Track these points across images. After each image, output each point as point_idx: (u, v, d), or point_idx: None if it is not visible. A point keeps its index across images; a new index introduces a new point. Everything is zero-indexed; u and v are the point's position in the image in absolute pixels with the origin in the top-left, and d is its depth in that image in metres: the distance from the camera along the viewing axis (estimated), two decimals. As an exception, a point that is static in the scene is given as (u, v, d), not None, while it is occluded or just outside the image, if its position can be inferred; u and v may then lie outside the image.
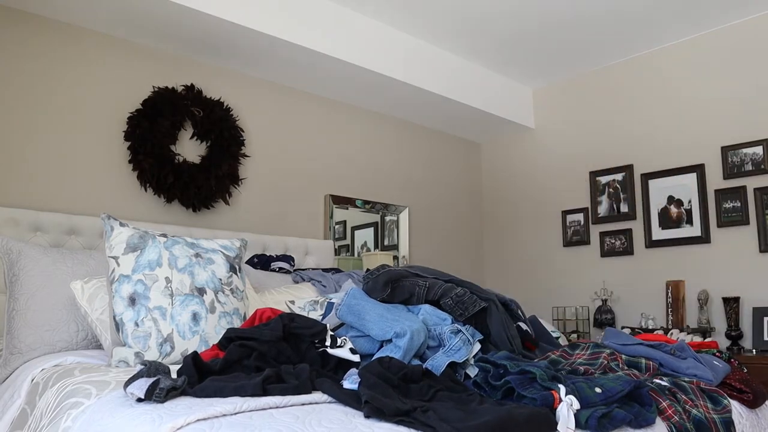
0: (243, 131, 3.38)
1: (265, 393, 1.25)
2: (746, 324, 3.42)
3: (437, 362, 1.46)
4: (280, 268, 3.08)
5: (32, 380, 1.81)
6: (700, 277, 3.64)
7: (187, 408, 1.15)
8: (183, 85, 3.17)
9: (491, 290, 2.07)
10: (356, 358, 1.50)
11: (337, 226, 3.85)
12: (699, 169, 3.70)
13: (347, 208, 3.93)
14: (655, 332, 3.27)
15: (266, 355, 1.47)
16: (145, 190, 3.02)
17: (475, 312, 1.70)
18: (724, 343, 3.45)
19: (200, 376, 1.34)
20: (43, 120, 2.75)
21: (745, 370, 1.82)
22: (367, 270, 1.81)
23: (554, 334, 2.20)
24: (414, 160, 4.43)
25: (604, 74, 4.23)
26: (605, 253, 4.09)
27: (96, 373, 1.63)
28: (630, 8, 3.44)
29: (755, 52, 3.54)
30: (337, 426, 1.07)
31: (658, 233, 3.85)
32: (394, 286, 1.75)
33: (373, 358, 1.42)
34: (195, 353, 1.41)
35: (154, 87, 3.08)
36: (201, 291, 1.92)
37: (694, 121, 3.76)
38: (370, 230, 4.06)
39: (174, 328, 1.83)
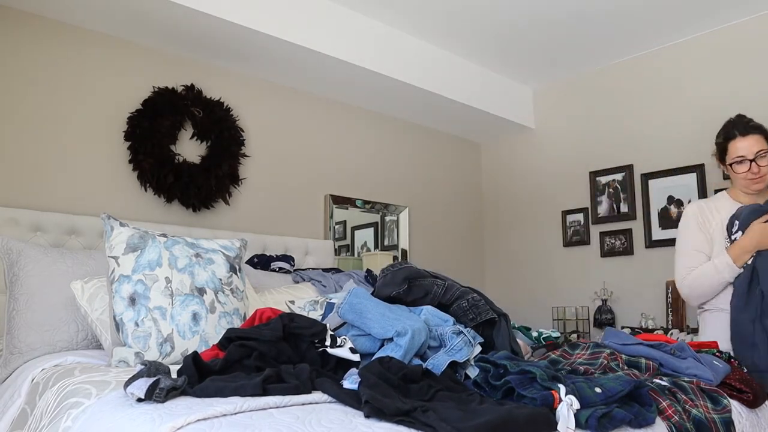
0: (243, 131, 3.38)
1: (265, 393, 1.25)
2: (746, 324, 3.42)
3: (438, 361, 1.46)
4: (280, 268, 3.08)
5: (32, 380, 1.81)
6: (700, 277, 3.63)
7: (187, 408, 1.15)
8: (183, 85, 3.17)
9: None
10: (356, 357, 1.50)
11: (337, 226, 3.85)
12: (699, 169, 3.70)
13: (347, 208, 3.93)
14: (655, 332, 3.27)
15: (266, 355, 1.47)
16: (145, 190, 3.02)
17: (484, 321, 1.70)
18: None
19: (200, 376, 1.34)
20: (43, 120, 2.75)
21: (745, 370, 1.82)
22: (388, 265, 1.80)
23: (554, 334, 2.20)
24: (414, 160, 4.43)
25: (605, 74, 4.23)
26: (605, 253, 4.09)
27: (96, 373, 1.63)
28: (630, 8, 3.44)
29: (755, 52, 3.54)
30: (337, 426, 1.07)
31: (658, 233, 3.85)
32: (411, 284, 1.75)
33: (374, 357, 1.42)
34: (195, 353, 1.41)
35: (154, 87, 3.09)
36: (201, 291, 1.92)
37: (694, 121, 3.77)
38: (370, 230, 4.07)
39: (174, 328, 1.83)
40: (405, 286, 1.74)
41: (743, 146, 2.22)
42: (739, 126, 2.26)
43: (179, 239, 2.02)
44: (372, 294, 1.74)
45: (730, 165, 2.27)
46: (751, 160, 2.21)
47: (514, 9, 3.43)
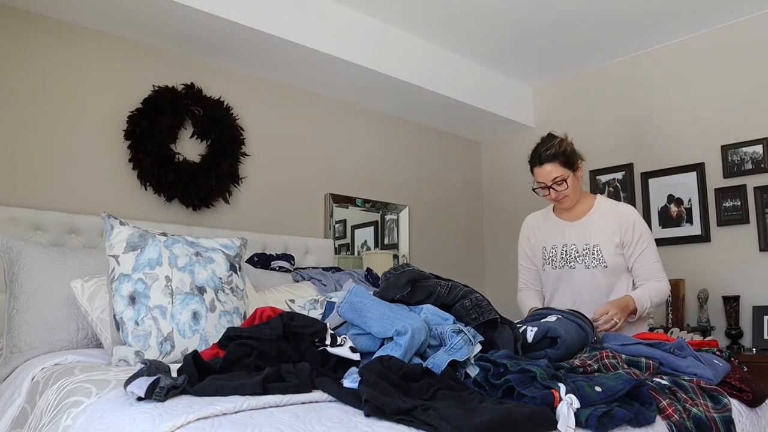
0: (243, 130, 3.38)
1: (265, 392, 1.25)
2: (746, 323, 3.42)
3: (438, 360, 1.46)
4: (280, 267, 3.08)
5: (32, 379, 1.81)
6: (700, 275, 3.64)
7: (187, 407, 1.15)
8: (183, 84, 3.17)
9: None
10: (356, 356, 1.50)
11: (337, 225, 3.85)
12: (699, 168, 3.70)
13: (347, 207, 3.93)
14: (656, 331, 3.27)
15: (266, 354, 1.47)
16: (145, 189, 3.02)
17: (485, 321, 1.70)
18: (724, 341, 3.45)
19: (200, 375, 1.34)
20: (43, 119, 2.75)
21: (745, 369, 1.82)
22: (390, 269, 1.79)
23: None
24: (414, 159, 4.43)
25: (604, 73, 4.23)
26: (605, 251, 4.08)
27: (96, 371, 1.63)
28: (630, 7, 3.43)
29: (755, 51, 3.54)
30: (337, 425, 1.07)
31: (658, 232, 3.85)
32: (414, 286, 1.75)
33: (374, 356, 1.42)
34: (195, 352, 1.41)
35: (154, 86, 3.08)
36: (201, 290, 1.92)
37: (694, 120, 3.76)
38: (370, 229, 4.07)
39: (174, 327, 1.83)
40: (408, 289, 1.74)
41: (541, 174, 2.36)
42: (536, 156, 2.38)
43: (179, 238, 2.02)
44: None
45: (534, 190, 2.43)
46: (549, 187, 2.36)
47: (514, 8, 3.43)
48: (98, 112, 2.92)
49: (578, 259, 2.39)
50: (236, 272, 2.08)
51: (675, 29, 3.73)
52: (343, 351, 1.50)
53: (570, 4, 3.39)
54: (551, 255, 2.47)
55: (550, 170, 2.33)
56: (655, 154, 3.93)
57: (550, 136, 2.40)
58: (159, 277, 1.86)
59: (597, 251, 2.36)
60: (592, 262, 2.36)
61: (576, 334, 1.79)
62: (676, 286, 3.63)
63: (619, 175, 4.07)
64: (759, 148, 3.47)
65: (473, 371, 1.48)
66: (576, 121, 4.36)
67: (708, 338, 3.30)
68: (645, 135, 3.99)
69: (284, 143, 3.66)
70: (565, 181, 2.34)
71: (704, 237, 3.64)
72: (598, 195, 2.53)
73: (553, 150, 2.34)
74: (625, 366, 1.62)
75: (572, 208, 2.46)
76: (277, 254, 3.18)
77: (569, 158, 2.35)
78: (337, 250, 3.83)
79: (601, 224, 2.39)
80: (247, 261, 3.07)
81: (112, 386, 1.41)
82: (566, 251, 2.43)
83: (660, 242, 3.83)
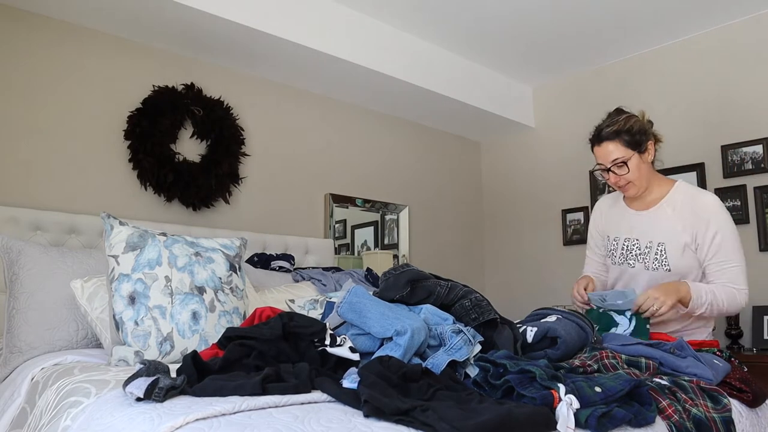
0: (243, 130, 3.38)
1: (264, 392, 1.25)
2: (746, 323, 3.42)
3: (438, 360, 1.46)
4: (280, 267, 3.08)
5: (32, 379, 1.81)
6: (701, 275, 3.63)
7: (186, 407, 1.14)
8: (183, 84, 3.17)
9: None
10: (356, 356, 1.50)
11: (337, 225, 3.85)
12: (699, 168, 3.70)
13: (347, 207, 3.93)
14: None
15: (266, 354, 1.46)
16: (145, 189, 3.02)
17: (485, 321, 1.70)
18: (724, 341, 3.45)
19: (200, 376, 1.34)
20: (43, 119, 2.75)
21: (745, 369, 1.82)
22: (390, 269, 1.78)
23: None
24: (414, 159, 4.43)
25: (605, 73, 4.23)
26: (605, 251, 4.08)
27: (95, 372, 1.63)
28: (630, 7, 3.43)
29: (755, 51, 3.53)
30: (336, 425, 1.07)
31: (658, 232, 3.84)
32: (414, 286, 1.75)
33: (374, 357, 1.42)
34: (194, 352, 1.41)
35: (154, 86, 3.08)
36: (201, 290, 1.92)
37: (693, 120, 3.76)
38: (370, 229, 4.06)
39: (174, 327, 1.83)
40: (408, 289, 1.73)
41: (600, 154, 2.11)
42: (597, 133, 2.12)
43: (179, 238, 2.02)
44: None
45: (594, 172, 2.15)
46: (608, 169, 2.09)
47: (515, 8, 3.43)
48: (98, 112, 2.92)
49: (638, 257, 2.10)
50: (236, 272, 2.08)
51: (675, 29, 3.72)
52: (343, 351, 1.50)
53: (570, 4, 3.39)
54: (612, 248, 2.18)
55: (611, 150, 2.05)
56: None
57: (617, 111, 2.10)
58: (159, 277, 1.86)
59: (661, 251, 2.06)
60: (653, 263, 2.07)
61: (576, 334, 1.79)
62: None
63: (619, 175, 4.06)
64: (759, 148, 3.46)
65: (473, 371, 1.48)
66: (576, 121, 4.36)
67: (708, 338, 3.29)
68: (645, 135, 3.98)
69: (284, 143, 3.66)
70: (626, 163, 2.03)
71: (704, 237, 3.63)
72: (679, 181, 2.14)
73: (616, 127, 2.05)
74: (625, 366, 1.62)
75: (642, 196, 2.13)
76: (277, 254, 3.18)
77: (635, 137, 2.03)
78: (337, 250, 3.83)
79: (672, 218, 2.06)
80: (247, 261, 3.07)
81: (111, 386, 1.41)
82: (627, 246, 2.13)
83: (660, 242, 3.83)
